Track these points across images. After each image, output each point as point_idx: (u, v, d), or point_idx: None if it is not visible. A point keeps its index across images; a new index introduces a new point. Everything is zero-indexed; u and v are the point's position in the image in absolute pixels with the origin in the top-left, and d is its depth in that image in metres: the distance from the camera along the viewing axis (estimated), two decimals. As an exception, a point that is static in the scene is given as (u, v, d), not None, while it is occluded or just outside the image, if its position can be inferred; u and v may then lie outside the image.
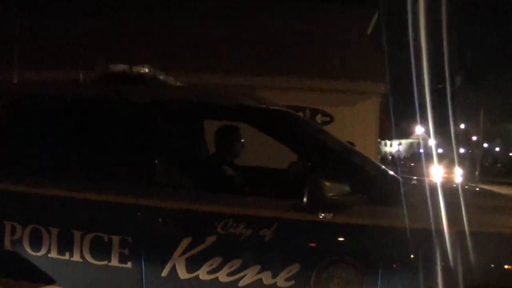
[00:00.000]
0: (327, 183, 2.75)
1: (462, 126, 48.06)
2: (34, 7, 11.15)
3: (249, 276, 2.83)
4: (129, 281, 2.95)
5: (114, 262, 2.93)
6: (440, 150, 60.65)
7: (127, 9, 11.54)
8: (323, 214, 2.82)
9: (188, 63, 9.65)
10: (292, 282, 2.80)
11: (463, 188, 3.77)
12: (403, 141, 75.64)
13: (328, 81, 10.19)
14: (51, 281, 3.04)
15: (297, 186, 2.93)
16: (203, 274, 2.85)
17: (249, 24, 11.05)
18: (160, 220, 2.94)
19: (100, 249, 2.95)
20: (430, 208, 2.91)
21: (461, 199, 3.05)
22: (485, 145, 52.08)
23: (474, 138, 30.69)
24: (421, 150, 61.23)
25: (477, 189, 4.34)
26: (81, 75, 4.03)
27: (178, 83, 3.81)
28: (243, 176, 3.76)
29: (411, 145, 72.64)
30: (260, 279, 2.82)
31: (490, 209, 3.21)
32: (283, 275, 2.81)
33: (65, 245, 3.00)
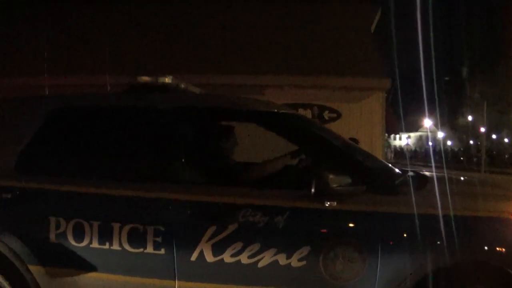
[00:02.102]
0: (331, 176, 3.18)
1: (470, 118, 48.04)
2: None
3: (267, 258, 3.24)
4: (163, 265, 3.37)
5: (149, 249, 3.36)
6: (449, 143, 60.80)
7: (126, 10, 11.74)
8: (328, 203, 3.25)
9: (196, 65, 10.00)
10: (304, 262, 3.21)
11: (450, 178, 4.18)
12: (412, 134, 75.53)
13: (333, 78, 10.50)
14: (94, 269, 3.46)
15: (305, 179, 3.32)
16: (227, 257, 3.27)
17: (254, 24, 11.31)
18: (188, 212, 3.38)
19: (137, 239, 3.38)
20: (423, 196, 3.37)
21: (448, 187, 3.48)
22: (494, 136, 52.03)
23: (482, 129, 30.88)
24: (430, 143, 61.18)
25: (462, 178, 4.73)
26: (108, 87, 4.49)
27: (199, 91, 4.25)
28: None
29: (420, 138, 72.57)
30: (277, 260, 3.23)
31: (474, 195, 3.64)
32: (296, 256, 3.22)
33: (105, 236, 3.41)
